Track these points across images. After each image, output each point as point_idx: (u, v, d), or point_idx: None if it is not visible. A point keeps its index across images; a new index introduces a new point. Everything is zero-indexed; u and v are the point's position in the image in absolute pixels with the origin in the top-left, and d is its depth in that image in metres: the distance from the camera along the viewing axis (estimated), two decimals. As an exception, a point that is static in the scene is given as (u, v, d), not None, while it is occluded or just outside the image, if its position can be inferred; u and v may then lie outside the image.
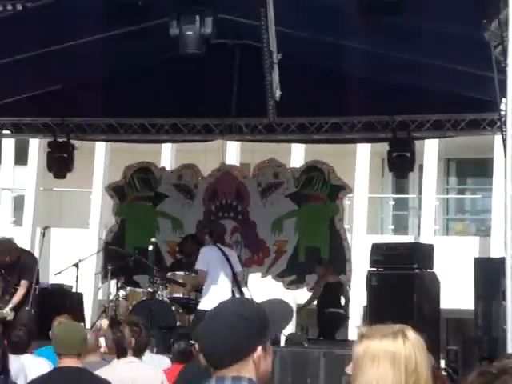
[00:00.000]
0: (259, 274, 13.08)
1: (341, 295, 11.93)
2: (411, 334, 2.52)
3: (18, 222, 21.26)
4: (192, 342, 6.95)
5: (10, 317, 9.62)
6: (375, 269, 10.63)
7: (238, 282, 10.22)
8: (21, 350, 6.53)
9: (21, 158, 21.12)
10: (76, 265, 10.59)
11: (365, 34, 8.99)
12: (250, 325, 2.43)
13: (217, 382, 2.42)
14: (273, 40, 7.96)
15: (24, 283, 9.86)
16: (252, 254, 12.89)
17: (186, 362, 6.92)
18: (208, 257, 10.02)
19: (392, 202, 21.73)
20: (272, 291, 15.26)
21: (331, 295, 11.74)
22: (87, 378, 5.14)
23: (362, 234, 19.38)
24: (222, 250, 10.16)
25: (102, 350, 6.74)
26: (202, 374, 5.71)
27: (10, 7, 7.26)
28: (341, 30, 9.12)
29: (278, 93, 8.45)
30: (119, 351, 6.01)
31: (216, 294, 9.54)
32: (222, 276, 9.94)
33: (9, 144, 21.12)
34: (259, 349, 2.43)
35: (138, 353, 6.04)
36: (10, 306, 9.77)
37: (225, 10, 8.47)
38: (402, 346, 2.48)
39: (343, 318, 11.83)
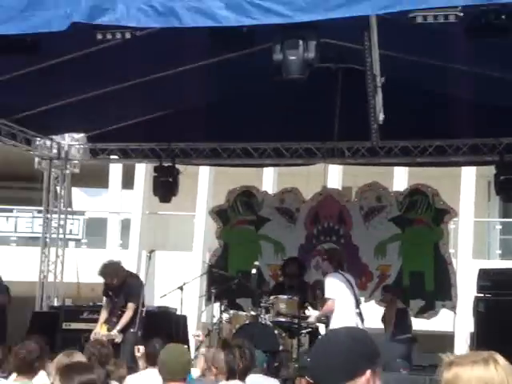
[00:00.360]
0: (362, 299, 12.94)
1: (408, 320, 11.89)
2: (502, 360, 2.47)
3: (124, 245, 21.74)
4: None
5: (118, 339, 9.80)
6: (482, 295, 10.39)
7: (359, 308, 10.10)
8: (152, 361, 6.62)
9: (128, 182, 21.64)
10: (181, 288, 10.71)
11: (469, 56, 8.85)
12: (362, 347, 2.47)
13: None
14: (376, 63, 7.92)
15: (131, 306, 10.04)
16: (354, 279, 12.76)
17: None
18: (335, 285, 9.89)
19: (499, 226, 21.23)
20: (375, 316, 15.12)
21: (402, 321, 11.65)
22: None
23: (468, 258, 18.97)
24: (344, 276, 10.05)
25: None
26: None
27: (118, 35, 7.46)
28: (445, 52, 9.01)
29: (381, 116, 8.38)
30: (230, 373, 6.03)
31: (344, 321, 9.39)
32: (349, 303, 9.83)
33: (116, 169, 21.67)
34: (368, 372, 2.43)
35: (243, 376, 6.06)
36: (118, 327, 9.96)
37: (328, 35, 8.48)
38: (495, 373, 2.42)
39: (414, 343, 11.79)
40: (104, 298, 10.48)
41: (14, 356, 6.02)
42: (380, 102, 8.20)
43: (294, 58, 7.86)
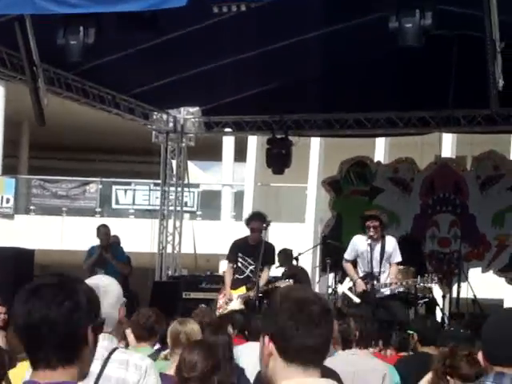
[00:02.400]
0: (479, 269, 12.76)
1: None
2: None
3: (238, 216, 22.03)
4: (410, 332, 6.93)
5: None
6: None
7: None
8: None
9: (240, 155, 21.88)
10: (296, 258, 10.82)
11: None
12: None
13: (495, 376, 2.63)
14: (495, 28, 7.73)
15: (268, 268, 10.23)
16: (472, 248, 12.60)
17: (405, 351, 6.92)
18: None
19: None
20: (494, 286, 14.87)
21: None
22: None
23: None
24: None
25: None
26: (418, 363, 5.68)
27: (234, 8, 7.55)
28: None
29: (501, 82, 8.19)
30: (344, 343, 6.09)
31: None
32: None
33: (229, 142, 21.94)
34: None
35: (363, 345, 6.08)
36: (262, 283, 10.03)
37: (445, 1, 8.34)
38: None
39: None
40: (227, 264, 10.57)
41: (132, 324, 6.24)
42: (499, 67, 8.02)
43: (410, 25, 7.78)
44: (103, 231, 12.05)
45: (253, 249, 10.15)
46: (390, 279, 9.89)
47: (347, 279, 10.22)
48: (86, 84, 11.16)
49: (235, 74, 11.51)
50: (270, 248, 10.29)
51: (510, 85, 9.08)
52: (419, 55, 9.63)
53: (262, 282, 10.00)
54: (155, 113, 13.07)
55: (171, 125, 13.34)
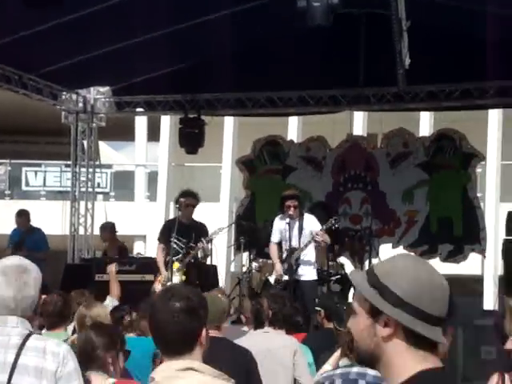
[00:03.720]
0: (390, 245, 13.01)
1: None
2: None
3: (152, 197, 21.90)
4: (317, 309, 7.03)
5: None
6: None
7: None
8: None
9: (153, 134, 21.71)
10: (210, 239, 10.80)
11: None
12: None
13: None
14: (402, 7, 7.85)
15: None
16: (382, 225, 12.82)
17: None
18: None
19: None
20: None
21: None
22: (228, 347, 5.28)
23: (496, 202, 18.94)
24: None
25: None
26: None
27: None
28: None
29: (407, 61, 8.33)
30: (257, 323, 6.14)
31: None
32: None
33: (142, 121, 21.73)
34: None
35: (277, 325, 6.12)
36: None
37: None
38: None
39: None
40: (157, 246, 10.41)
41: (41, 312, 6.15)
42: (406, 46, 8.15)
43: (317, 4, 7.83)
44: (20, 219, 12.03)
45: (186, 229, 9.96)
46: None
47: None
48: (-9, 63, 10.88)
49: (146, 52, 11.37)
50: (203, 227, 10.18)
51: (417, 63, 9.27)
52: (329, 34, 9.68)
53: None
54: (64, 93, 12.83)
55: (81, 105, 13.12)
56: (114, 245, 12.41)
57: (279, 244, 10.14)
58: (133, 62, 11.83)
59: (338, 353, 4.93)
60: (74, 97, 13.04)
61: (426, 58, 9.98)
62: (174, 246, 9.96)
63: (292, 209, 9.80)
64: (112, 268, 8.66)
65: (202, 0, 9.99)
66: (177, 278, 9.77)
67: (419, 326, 2.06)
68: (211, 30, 10.80)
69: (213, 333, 5.24)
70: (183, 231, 9.98)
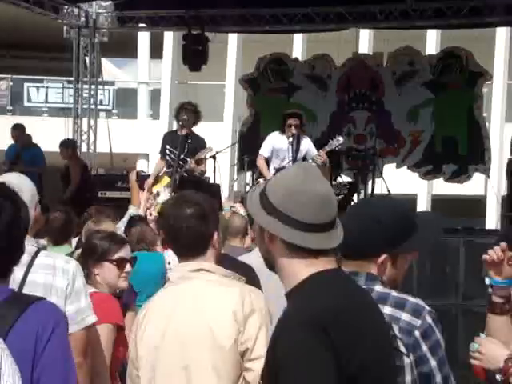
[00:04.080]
0: (394, 165, 12.96)
1: None
2: None
3: (155, 115, 21.76)
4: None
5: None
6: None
7: None
8: None
9: (156, 51, 21.43)
10: (213, 157, 10.74)
11: None
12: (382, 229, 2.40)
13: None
14: None
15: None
16: (387, 145, 12.74)
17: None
18: None
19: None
20: (408, 181, 15.19)
21: None
22: (228, 262, 5.28)
23: (501, 122, 18.82)
24: None
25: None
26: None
27: None
28: None
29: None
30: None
31: None
32: None
33: (144, 38, 21.43)
34: (383, 256, 2.40)
35: None
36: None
37: None
38: None
39: None
40: (158, 160, 10.04)
41: (45, 230, 6.16)
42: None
43: None
44: (15, 133, 11.85)
45: (181, 140, 9.34)
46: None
47: None
48: (-8, -24, 10.67)
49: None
50: (199, 140, 9.54)
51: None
52: None
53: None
54: (66, 7, 12.61)
55: (83, 19, 12.92)
56: (76, 163, 12.05)
57: (267, 160, 9.95)
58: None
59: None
60: (76, 11, 12.83)
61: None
62: (168, 158, 9.64)
63: (293, 127, 9.68)
64: (133, 177, 8.48)
65: None
66: (165, 195, 9.32)
67: (287, 233, 2.07)
68: None
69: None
70: (178, 143, 9.44)
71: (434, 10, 11.85)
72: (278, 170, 9.65)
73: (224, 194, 15.35)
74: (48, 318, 2.13)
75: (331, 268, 2.11)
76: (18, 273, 3.11)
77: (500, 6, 11.50)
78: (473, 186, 14.38)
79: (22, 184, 3.20)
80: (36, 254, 3.20)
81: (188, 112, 9.39)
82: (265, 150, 9.96)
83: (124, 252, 4.06)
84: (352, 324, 2.02)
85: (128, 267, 4.05)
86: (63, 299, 3.17)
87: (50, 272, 3.17)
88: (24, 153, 11.85)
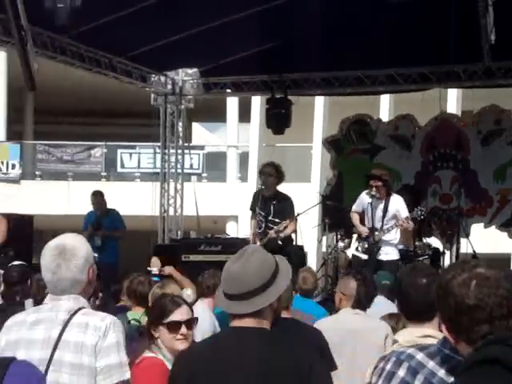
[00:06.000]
0: (482, 225, 12.72)
1: None
2: None
3: (243, 177, 22.02)
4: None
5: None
6: None
7: None
8: None
9: (245, 115, 21.79)
10: (295, 218, 10.77)
11: None
12: None
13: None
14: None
15: (291, 221, 9.77)
16: (474, 204, 12.54)
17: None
18: None
19: None
20: (496, 241, 14.82)
21: None
22: (298, 327, 5.26)
23: None
24: None
25: None
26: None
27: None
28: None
29: (492, 36, 8.09)
30: (358, 302, 6.00)
31: None
32: None
33: (233, 102, 21.84)
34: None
35: (361, 305, 5.98)
36: (282, 234, 9.62)
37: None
38: None
39: None
40: (243, 215, 10.22)
41: (126, 290, 6.30)
42: (491, 21, 7.91)
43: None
44: (95, 200, 12.28)
45: (266, 201, 9.58)
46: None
47: (353, 241, 10.14)
48: (81, 47, 11.08)
49: (232, 33, 11.39)
50: (286, 200, 9.72)
51: (505, 38, 8.99)
52: (417, 10, 9.52)
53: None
54: (153, 75, 13.00)
55: (169, 87, 13.26)
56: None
57: (360, 215, 10.11)
58: (220, 43, 11.88)
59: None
60: (163, 79, 13.19)
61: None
62: (257, 218, 9.79)
63: (374, 189, 9.70)
64: (170, 269, 8.41)
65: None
66: None
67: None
68: (295, 9, 10.73)
69: (283, 313, 5.22)
70: (264, 204, 9.66)
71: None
72: (371, 230, 9.74)
73: (311, 255, 15.33)
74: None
75: (239, 326, 2.82)
76: (53, 332, 3.18)
77: None
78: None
79: (75, 248, 3.28)
80: (75, 312, 3.22)
81: (267, 174, 9.55)
82: (355, 205, 10.28)
83: (178, 314, 4.06)
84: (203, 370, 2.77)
85: (183, 329, 4.05)
86: (94, 356, 3.14)
87: (82, 330, 3.17)
88: (104, 219, 12.22)
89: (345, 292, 5.96)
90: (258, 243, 9.66)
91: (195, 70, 13.23)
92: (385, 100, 19.54)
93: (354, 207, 10.24)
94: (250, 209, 10.08)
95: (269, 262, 2.87)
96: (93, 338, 3.16)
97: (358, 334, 5.75)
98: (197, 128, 25.73)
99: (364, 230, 9.87)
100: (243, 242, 10.25)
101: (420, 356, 2.52)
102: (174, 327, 4.03)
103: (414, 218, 9.79)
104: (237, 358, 2.73)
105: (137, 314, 5.92)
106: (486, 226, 12.70)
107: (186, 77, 13.35)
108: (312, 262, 16.18)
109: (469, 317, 2.17)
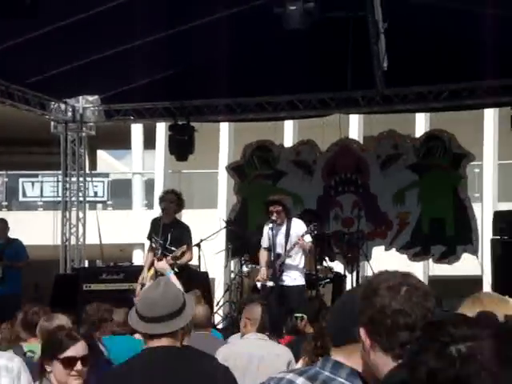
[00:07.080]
0: (383, 247, 12.95)
1: None
2: None
3: (149, 205, 21.87)
4: (298, 315, 6.97)
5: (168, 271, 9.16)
6: (499, 237, 10.31)
7: None
8: None
9: (150, 142, 21.69)
10: (197, 245, 10.76)
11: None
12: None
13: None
14: (378, 9, 7.81)
15: (188, 248, 9.56)
16: (375, 228, 12.77)
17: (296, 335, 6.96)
18: None
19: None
20: (397, 264, 15.07)
21: None
22: (196, 355, 5.21)
23: (493, 201, 18.84)
24: None
25: None
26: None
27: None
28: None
29: (385, 63, 8.29)
30: (262, 327, 6.03)
31: None
32: None
33: (137, 129, 21.72)
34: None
35: (265, 329, 6.02)
36: (179, 262, 9.34)
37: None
38: None
39: None
40: (148, 243, 10.10)
41: (21, 323, 6.18)
42: (383, 48, 8.10)
43: (294, 8, 7.81)
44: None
45: (164, 228, 9.50)
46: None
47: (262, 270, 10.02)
48: (-23, 76, 10.88)
49: (134, 60, 11.35)
50: (183, 229, 9.69)
51: (399, 64, 9.22)
52: (316, 37, 9.69)
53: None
54: (52, 103, 12.82)
55: (70, 114, 13.10)
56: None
57: (269, 250, 10.03)
58: (121, 70, 11.82)
59: (303, 360, 4.89)
60: (63, 106, 13.03)
61: (408, 58, 9.91)
62: (153, 246, 9.67)
63: (275, 214, 9.71)
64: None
65: (186, 8, 9.97)
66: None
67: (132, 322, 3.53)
68: (197, 37, 10.78)
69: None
70: (162, 230, 9.55)
71: (415, 94, 12.01)
72: (275, 256, 9.65)
73: (219, 282, 15.28)
74: None
75: (158, 346, 3.37)
76: None
77: (479, 88, 11.64)
78: (469, 266, 14.30)
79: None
80: None
81: (168, 200, 9.50)
82: (263, 241, 9.97)
83: (74, 350, 3.97)
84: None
85: (78, 366, 3.98)
86: None
87: None
88: (7, 248, 11.90)
89: (250, 317, 6.01)
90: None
91: (96, 97, 13.12)
92: (289, 125, 19.76)
93: (263, 244, 9.98)
94: (147, 238, 9.95)
95: (180, 291, 3.62)
96: (6, 380, 3.17)
97: (261, 359, 5.79)
98: (102, 155, 25.46)
99: (263, 274, 9.67)
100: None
101: (300, 381, 2.50)
102: (69, 363, 3.92)
103: (308, 232, 9.75)
104: (156, 373, 3.29)
105: (32, 346, 5.80)
106: (386, 249, 12.93)
107: (87, 104, 13.22)
108: (220, 287, 16.15)
109: (392, 320, 2.17)
